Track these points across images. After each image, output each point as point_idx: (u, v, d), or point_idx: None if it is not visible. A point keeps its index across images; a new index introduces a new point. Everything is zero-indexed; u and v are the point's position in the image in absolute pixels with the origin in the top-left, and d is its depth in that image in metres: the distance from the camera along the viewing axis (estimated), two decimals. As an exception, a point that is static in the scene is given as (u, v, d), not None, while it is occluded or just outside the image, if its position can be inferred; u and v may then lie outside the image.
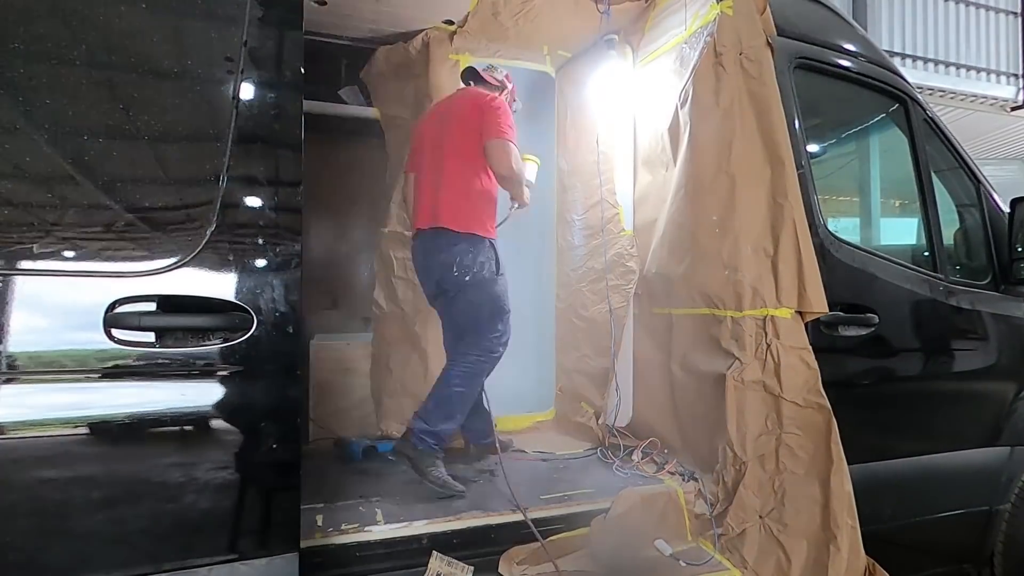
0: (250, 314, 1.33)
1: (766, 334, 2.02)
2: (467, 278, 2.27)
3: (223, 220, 1.33)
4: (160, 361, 1.29)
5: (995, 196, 2.66)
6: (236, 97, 1.36)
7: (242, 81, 1.36)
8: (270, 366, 1.37)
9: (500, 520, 1.91)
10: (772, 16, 2.18)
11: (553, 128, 3.41)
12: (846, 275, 2.18)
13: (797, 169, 2.06)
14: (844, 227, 3.92)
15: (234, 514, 1.33)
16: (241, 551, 1.34)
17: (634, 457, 2.42)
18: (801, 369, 1.97)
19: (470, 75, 2.64)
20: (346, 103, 3.21)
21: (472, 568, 1.76)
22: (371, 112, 3.20)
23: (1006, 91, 7.46)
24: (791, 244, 2.01)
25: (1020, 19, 7.66)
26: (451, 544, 1.81)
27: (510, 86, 2.67)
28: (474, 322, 2.32)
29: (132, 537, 1.26)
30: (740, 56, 2.14)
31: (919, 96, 2.59)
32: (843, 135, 3.05)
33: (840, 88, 2.47)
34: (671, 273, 2.43)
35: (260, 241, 1.37)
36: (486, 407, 2.48)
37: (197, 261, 1.31)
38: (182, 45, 1.37)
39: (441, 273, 2.31)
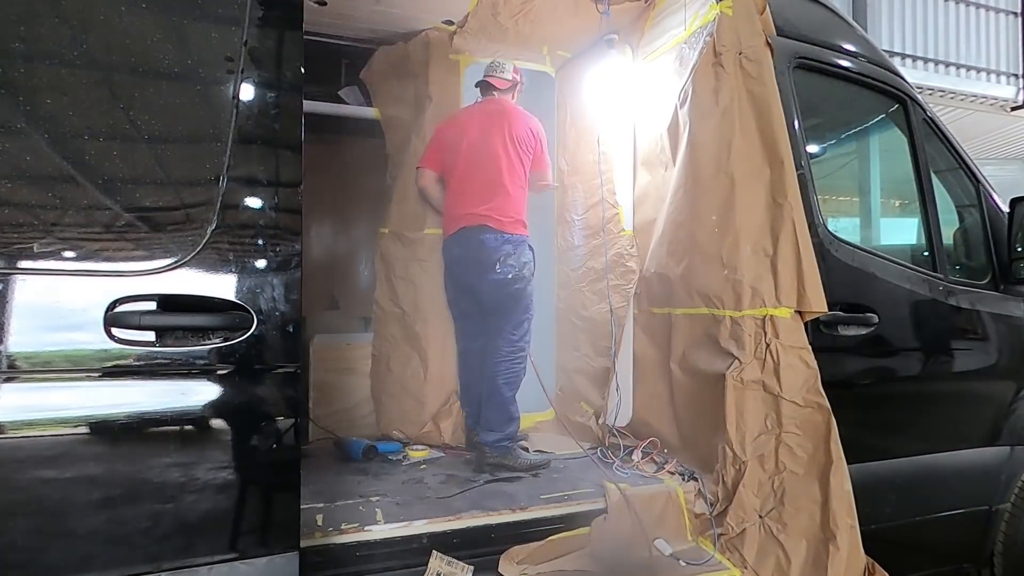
0: (250, 314, 1.33)
1: (765, 334, 2.02)
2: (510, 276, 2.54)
3: (223, 220, 1.33)
4: (160, 360, 1.29)
5: (995, 196, 2.67)
6: (236, 97, 1.36)
7: (242, 81, 1.37)
8: (270, 365, 1.37)
9: (500, 520, 1.91)
10: (772, 16, 2.18)
11: (553, 128, 3.41)
12: (846, 275, 2.18)
13: (797, 169, 2.07)
14: (844, 227, 3.93)
15: (234, 513, 1.34)
16: (241, 550, 1.34)
17: (634, 457, 2.42)
18: (800, 369, 1.98)
19: (486, 88, 2.79)
20: (346, 103, 3.21)
21: (472, 568, 1.77)
22: (371, 112, 3.20)
23: (1006, 91, 7.46)
24: (790, 244, 2.01)
25: (1020, 19, 7.66)
26: (451, 544, 1.82)
27: (521, 80, 2.85)
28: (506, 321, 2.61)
29: (132, 536, 1.26)
30: (739, 56, 2.14)
31: (919, 96, 2.59)
32: (843, 135, 3.05)
33: (840, 88, 2.47)
34: (670, 273, 2.43)
35: (260, 241, 1.37)
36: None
37: (197, 261, 1.31)
38: (182, 45, 1.37)
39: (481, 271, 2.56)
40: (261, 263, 1.37)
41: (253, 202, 1.37)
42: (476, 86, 2.84)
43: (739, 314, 2.08)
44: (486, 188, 2.56)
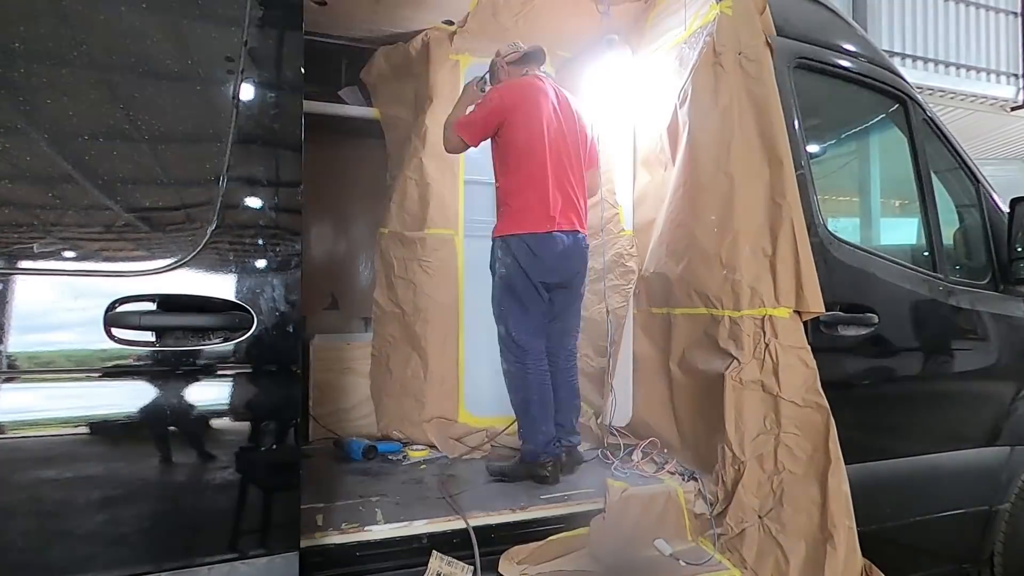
0: (250, 313, 1.33)
1: (764, 334, 2.02)
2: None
3: (223, 220, 1.33)
4: (160, 360, 1.30)
5: (995, 196, 2.67)
6: (236, 97, 1.36)
7: (242, 81, 1.37)
8: (270, 365, 1.38)
9: (500, 520, 1.91)
10: (772, 16, 2.18)
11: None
12: (846, 275, 2.18)
13: (796, 169, 2.06)
14: (844, 227, 3.93)
15: (234, 513, 1.34)
16: (241, 550, 1.34)
17: (634, 457, 2.42)
18: (799, 369, 1.97)
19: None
20: (346, 103, 3.21)
21: (472, 568, 1.77)
22: (371, 112, 3.20)
23: (1006, 91, 7.46)
24: (789, 244, 2.01)
25: (1020, 19, 7.66)
26: (451, 544, 1.82)
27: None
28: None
29: (132, 536, 1.26)
30: (739, 56, 2.14)
31: (918, 96, 2.59)
32: (843, 135, 3.05)
33: (840, 88, 2.47)
34: (669, 273, 2.43)
35: (260, 241, 1.37)
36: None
37: (197, 261, 1.31)
38: (182, 45, 1.38)
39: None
40: (261, 263, 1.37)
41: (253, 202, 1.38)
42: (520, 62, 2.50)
43: (738, 314, 2.08)
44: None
